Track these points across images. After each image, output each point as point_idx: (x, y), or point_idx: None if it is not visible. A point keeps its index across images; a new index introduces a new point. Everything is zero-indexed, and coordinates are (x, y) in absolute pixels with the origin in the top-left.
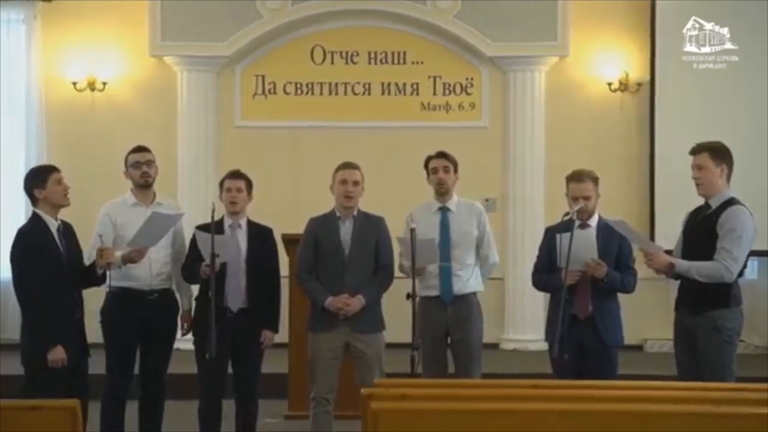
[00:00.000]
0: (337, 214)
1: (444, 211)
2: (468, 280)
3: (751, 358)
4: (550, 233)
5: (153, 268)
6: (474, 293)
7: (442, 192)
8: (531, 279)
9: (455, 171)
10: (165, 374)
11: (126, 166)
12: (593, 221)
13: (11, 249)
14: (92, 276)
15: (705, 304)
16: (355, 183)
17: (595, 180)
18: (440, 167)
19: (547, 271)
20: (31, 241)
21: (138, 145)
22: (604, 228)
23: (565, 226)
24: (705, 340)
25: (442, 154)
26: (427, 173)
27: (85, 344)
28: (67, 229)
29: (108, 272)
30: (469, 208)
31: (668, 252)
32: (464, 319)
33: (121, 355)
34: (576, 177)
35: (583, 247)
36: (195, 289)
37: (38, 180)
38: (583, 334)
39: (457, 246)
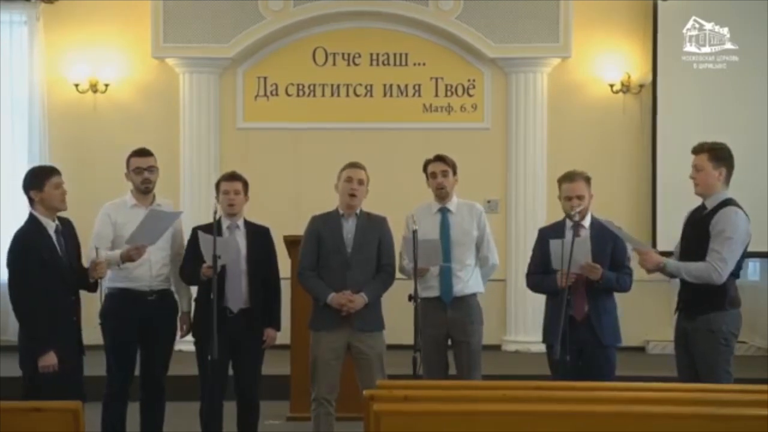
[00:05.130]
0: (341, 212)
1: (444, 211)
2: (468, 281)
3: (752, 360)
4: (543, 234)
5: (153, 269)
6: (474, 294)
7: (441, 195)
8: (525, 280)
9: (454, 173)
10: (165, 375)
11: (127, 168)
12: (586, 221)
13: (8, 252)
14: (86, 281)
15: (700, 307)
16: (360, 182)
17: (587, 180)
18: (439, 171)
19: (541, 273)
20: (27, 244)
21: (141, 147)
22: (597, 227)
23: (559, 227)
24: (701, 342)
25: (440, 158)
26: (426, 177)
27: (81, 346)
28: (66, 228)
29: (100, 282)
30: (469, 209)
31: (670, 254)
32: (464, 320)
33: (121, 356)
34: (568, 177)
35: (578, 252)
36: (194, 290)
37: (36, 182)
38: (580, 334)
39: (457, 246)
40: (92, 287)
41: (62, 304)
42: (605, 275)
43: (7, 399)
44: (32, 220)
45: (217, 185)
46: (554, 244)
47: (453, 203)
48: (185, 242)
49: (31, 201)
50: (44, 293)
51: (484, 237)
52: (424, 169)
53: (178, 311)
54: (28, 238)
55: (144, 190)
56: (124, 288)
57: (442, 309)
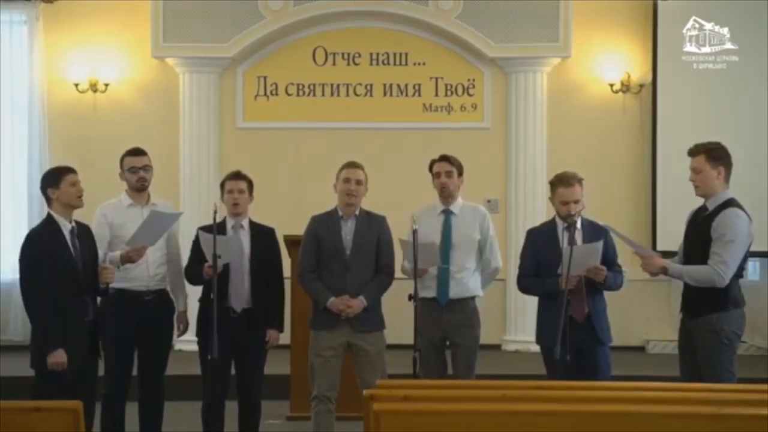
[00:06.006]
0: (340, 213)
1: (447, 213)
2: (466, 284)
3: (753, 359)
4: (533, 235)
5: (150, 269)
6: (472, 298)
7: (445, 196)
8: (517, 283)
9: (460, 175)
10: (163, 375)
11: (122, 168)
12: (578, 223)
13: (20, 249)
14: (97, 286)
15: (703, 307)
16: (358, 182)
17: (581, 182)
18: (443, 171)
19: (533, 275)
20: (40, 243)
21: (134, 147)
22: (588, 228)
23: (550, 228)
24: (703, 342)
25: (445, 158)
26: (432, 176)
27: (96, 346)
28: (82, 231)
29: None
30: (472, 212)
31: (670, 254)
32: (460, 323)
33: (119, 356)
34: (565, 181)
35: (588, 258)
36: (191, 289)
37: (52, 180)
38: (580, 335)
39: (457, 249)
40: (103, 292)
41: (72, 304)
42: (607, 276)
43: (7, 399)
44: (49, 219)
45: (222, 185)
46: (569, 250)
47: (457, 205)
48: (180, 242)
49: (49, 200)
50: (54, 292)
51: (488, 240)
52: (430, 168)
53: (175, 311)
54: (40, 237)
55: (140, 189)
56: (122, 288)
57: (438, 310)
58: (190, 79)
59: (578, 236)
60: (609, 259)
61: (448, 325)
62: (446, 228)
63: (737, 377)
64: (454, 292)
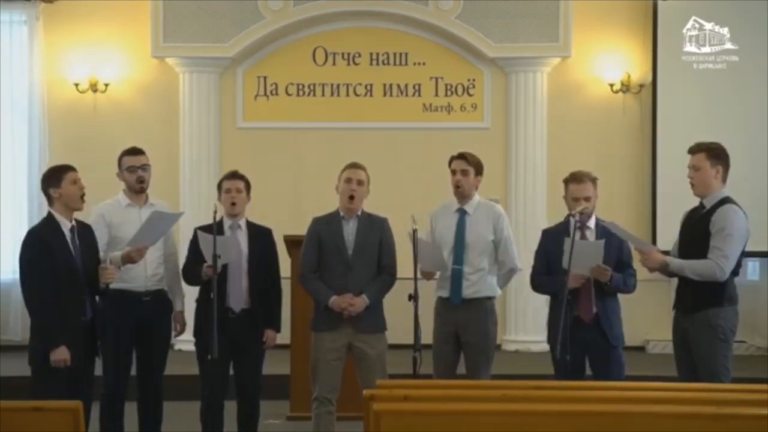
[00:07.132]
0: (341, 214)
1: (461, 213)
2: (480, 284)
3: (752, 359)
4: (547, 236)
5: (148, 269)
6: (489, 298)
7: (459, 194)
8: (530, 282)
9: (477, 174)
10: (162, 375)
11: (120, 168)
12: (591, 222)
13: (21, 248)
14: (98, 286)
15: (699, 304)
16: (360, 182)
17: (594, 181)
18: (459, 169)
19: (546, 274)
20: (39, 241)
21: (132, 146)
22: (602, 230)
23: (563, 228)
24: (699, 337)
25: (462, 156)
26: (450, 173)
27: (94, 345)
28: (82, 230)
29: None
30: (486, 212)
31: (667, 252)
32: (473, 322)
33: (118, 357)
34: (576, 178)
35: (590, 255)
36: (188, 290)
37: (53, 179)
38: (588, 335)
39: (471, 249)
40: (102, 292)
41: (71, 303)
42: (614, 277)
43: (7, 399)
44: (49, 217)
45: (219, 185)
46: (570, 244)
47: (472, 204)
48: (177, 242)
49: (50, 199)
50: (53, 290)
51: (502, 240)
52: (449, 164)
53: (172, 311)
54: (40, 236)
55: (139, 190)
56: (120, 289)
57: (453, 309)
58: (190, 79)
59: (590, 236)
60: (623, 261)
61: (461, 323)
62: (460, 227)
63: (733, 376)
64: (468, 292)
